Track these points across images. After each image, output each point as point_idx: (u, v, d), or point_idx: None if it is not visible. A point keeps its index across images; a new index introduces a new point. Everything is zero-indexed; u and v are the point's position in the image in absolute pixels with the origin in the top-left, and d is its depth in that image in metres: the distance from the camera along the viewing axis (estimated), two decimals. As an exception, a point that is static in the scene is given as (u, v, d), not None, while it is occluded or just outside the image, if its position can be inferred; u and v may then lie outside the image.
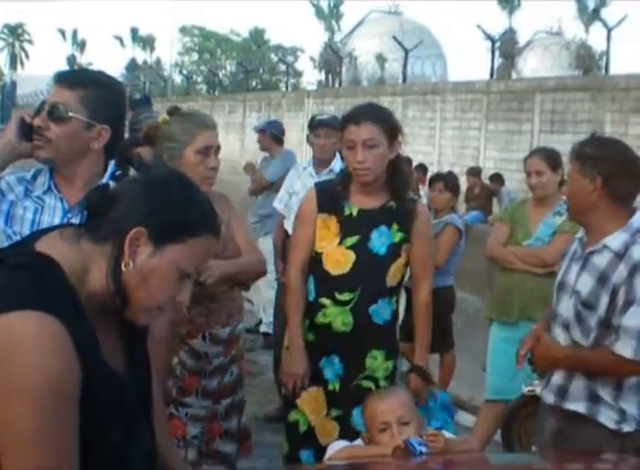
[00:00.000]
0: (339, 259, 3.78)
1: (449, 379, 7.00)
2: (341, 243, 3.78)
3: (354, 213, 3.81)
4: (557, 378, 3.39)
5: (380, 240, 3.79)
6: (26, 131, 2.74)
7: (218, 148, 3.65)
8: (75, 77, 2.82)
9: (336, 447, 3.08)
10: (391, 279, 3.82)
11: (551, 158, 5.23)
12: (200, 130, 3.60)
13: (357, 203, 3.82)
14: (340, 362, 3.81)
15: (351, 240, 3.77)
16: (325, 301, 3.79)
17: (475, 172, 15.16)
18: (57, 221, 2.76)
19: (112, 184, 1.85)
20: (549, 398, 3.43)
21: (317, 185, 4.05)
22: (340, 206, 3.81)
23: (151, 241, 1.75)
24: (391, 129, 3.76)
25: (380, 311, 3.81)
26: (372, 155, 3.68)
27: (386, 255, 3.79)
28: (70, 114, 2.69)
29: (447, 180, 7.01)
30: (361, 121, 3.69)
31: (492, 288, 5.73)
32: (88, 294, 1.74)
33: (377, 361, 3.83)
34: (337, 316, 3.76)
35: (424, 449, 2.79)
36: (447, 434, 3.01)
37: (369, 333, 3.79)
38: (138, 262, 1.75)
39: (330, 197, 3.85)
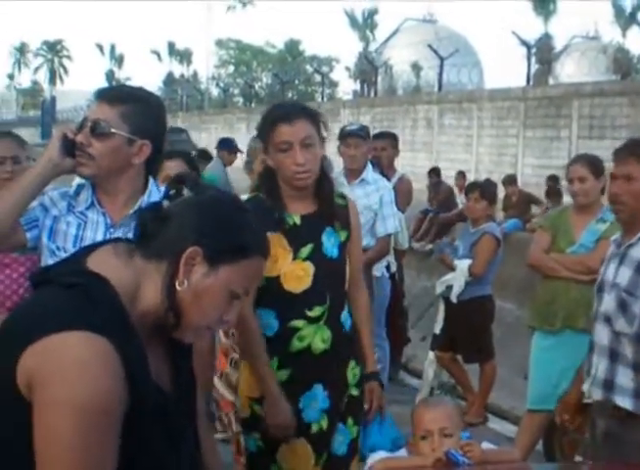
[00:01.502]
0: (299, 275, 3.37)
1: (490, 389, 6.98)
2: (295, 257, 3.37)
3: (298, 222, 3.41)
4: (601, 372, 3.42)
5: (330, 242, 3.44)
6: (69, 148, 2.77)
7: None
8: (116, 94, 2.84)
9: (376, 457, 3.08)
10: (346, 282, 3.51)
11: (593, 164, 5.19)
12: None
13: (295, 210, 3.41)
14: (324, 390, 3.40)
15: (306, 250, 3.38)
16: (297, 322, 3.35)
17: (511, 181, 15.04)
18: (100, 237, 2.79)
19: (165, 203, 1.86)
20: (596, 393, 3.45)
21: None
22: (279, 218, 3.38)
23: (206, 261, 1.78)
24: (321, 127, 3.40)
25: (347, 318, 3.49)
26: (311, 155, 3.30)
27: (339, 257, 3.45)
28: (112, 130, 2.72)
29: (483, 189, 6.98)
30: (295, 119, 3.30)
31: (533, 296, 5.69)
32: (139, 312, 1.77)
33: (354, 374, 3.51)
34: (314, 335, 3.36)
35: (466, 460, 2.79)
36: (488, 444, 3.01)
37: (344, 344, 3.46)
38: (192, 281, 1.78)
39: (264, 213, 3.29)
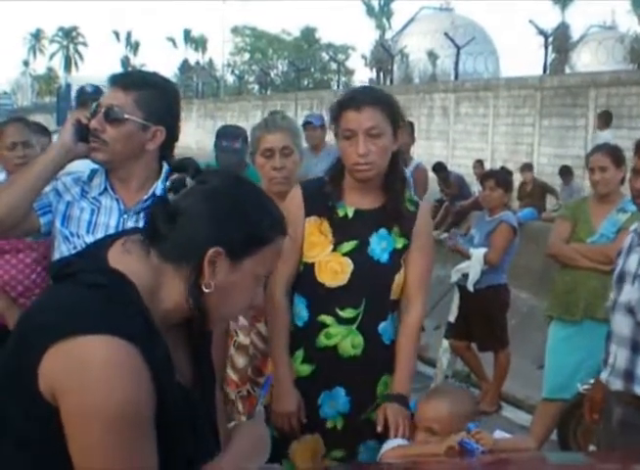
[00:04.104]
0: (334, 269, 3.18)
1: (504, 378, 6.97)
2: (335, 249, 3.18)
3: (350, 215, 3.22)
4: (621, 362, 3.39)
5: (380, 245, 3.20)
6: (83, 133, 2.76)
7: (284, 149, 3.67)
8: (130, 79, 2.83)
9: (389, 446, 3.07)
10: (396, 292, 3.24)
11: (614, 154, 5.18)
12: (264, 134, 3.70)
13: (352, 202, 3.22)
14: (346, 395, 3.22)
15: (348, 245, 3.18)
16: (326, 318, 3.18)
17: (527, 168, 15.00)
18: (113, 222, 2.80)
19: (171, 196, 1.78)
20: (615, 383, 3.42)
21: (302, 184, 3.37)
22: (332, 206, 3.21)
23: (228, 258, 1.73)
24: (395, 116, 3.16)
25: (388, 329, 3.24)
26: (376, 146, 3.08)
27: (388, 263, 3.20)
28: (126, 115, 2.71)
29: (498, 177, 6.97)
30: (362, 106, 3.08)
31: (551, 285, 5.67)
32: (161, 311, 1.74)
33: (388, 388, 3.25)
34: (344, 337, 3.17)
35: (480, 447, 2.78)
36: (501, 433, 2.99)
37: (380, 356, 3.22)
38: (218, 281, 1.74)
39: (319, 197, 3.24)
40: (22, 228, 2.85)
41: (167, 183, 1.82)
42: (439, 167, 15.42)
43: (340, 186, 3.24)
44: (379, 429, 3.09)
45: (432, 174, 9.08)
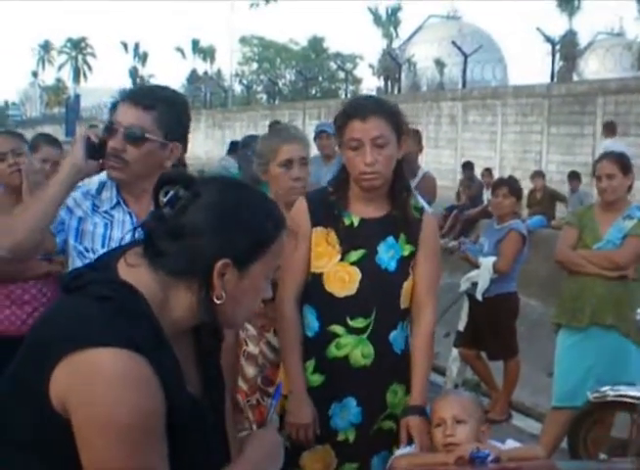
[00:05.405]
0: (342, 278, 3.18)
1: (514, 386, 6.96)
2: (343, 259, 3.18)
3: (355, 223, 3.21)
4: None
5: (388, 253, 3.20)
6: (93, 151, 2.77)
7: (302, 159, 3.69)
8: (149, 98, 2.80)
9: (403, 452, 3.09)
10: (405, 300, 3.23)
11: (622, 161, 5.19)
12: (281, 145, 3.69)
13: (357, 211, 3.22)
14: (357, 405, 3.21)
15: (356, 254, 3.18)
16: (337, 328, 3.17)
17: (539, 175, 15.03)
18: (127, 236, 2.81)
19: (167, 211, 1.77)
20: None
21: (306, 195, 3.37)
22: (337, 215, 3.21)
23: (236, 268, 1.74)
24: (400, 125, 3.16)
25: (399, 338, 3.23)
26: (382, 155, 3.09)
27: (396, 271, 3.20)
28: (147, 135, 2.72)
29: (511, 185, 6.98)
30: (368, 116, 3.08)
31: (560, 293, 5.68)
32: (170, 321, 1.74)
33: (397, 397, 3.25)
34: (354, 347, 3.17)
35: (491, 455, 2.80)
36: (512, 442, 3.01)
37: (390, 365, 3.21)
38: (229, 291, 1.75)
39: (324, 206, 3.24)
40: (40, 249, 2.87)
41: (161, 197, 1.80)
42: (468, 165, 15.78)
43: (345, 195, 3.24)
44: (401, 447, 3.11)
45: (440, 183, 9.05)
